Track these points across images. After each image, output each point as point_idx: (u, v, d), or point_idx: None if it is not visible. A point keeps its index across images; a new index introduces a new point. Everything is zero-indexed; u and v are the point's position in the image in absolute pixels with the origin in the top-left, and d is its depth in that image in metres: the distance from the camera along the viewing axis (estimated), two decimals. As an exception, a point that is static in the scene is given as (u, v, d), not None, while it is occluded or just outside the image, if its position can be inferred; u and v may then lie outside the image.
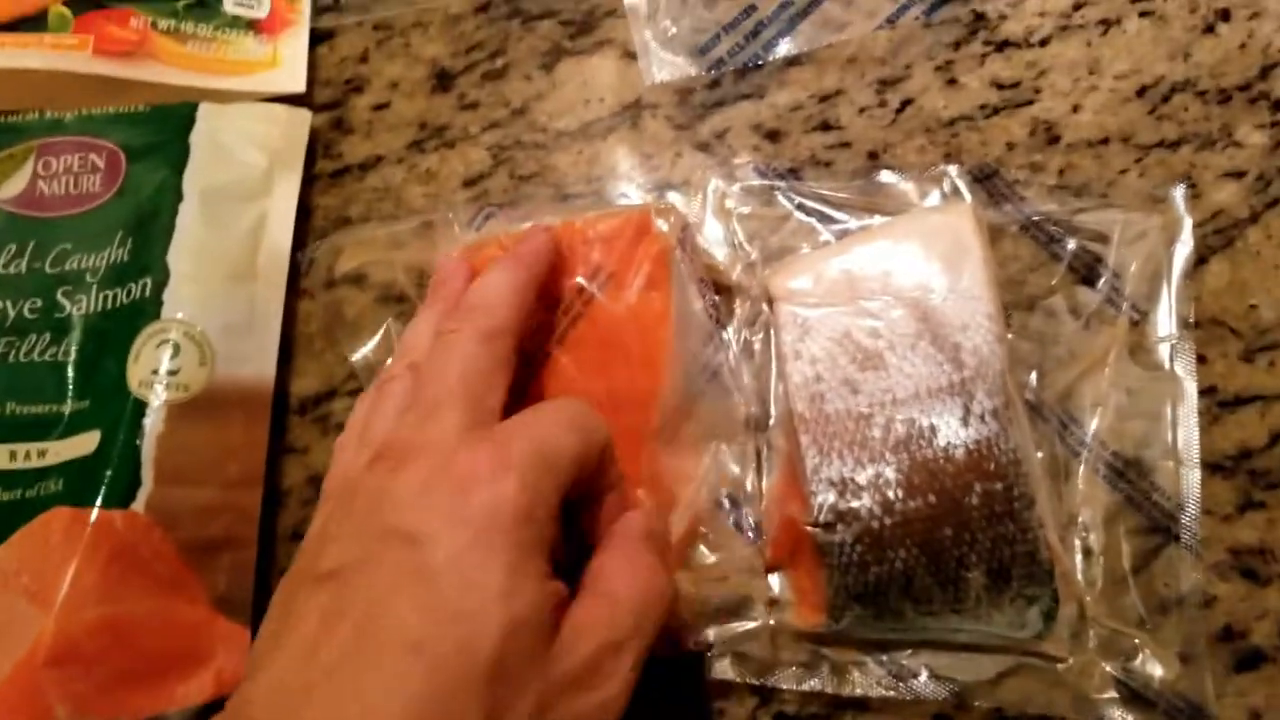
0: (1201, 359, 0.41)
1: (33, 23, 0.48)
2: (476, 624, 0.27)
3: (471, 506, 0.29)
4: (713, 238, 0.44)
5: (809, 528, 0.39)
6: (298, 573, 0.31)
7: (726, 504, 0.41)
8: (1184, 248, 0.42)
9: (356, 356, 0.45)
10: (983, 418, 0.39)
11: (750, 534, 0.41)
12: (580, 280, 0.41)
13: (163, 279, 0.44)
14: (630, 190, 0.46)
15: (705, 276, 0.43)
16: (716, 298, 0.43)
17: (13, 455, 0.43)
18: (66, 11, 0.48)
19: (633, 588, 0.32)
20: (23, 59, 0.47)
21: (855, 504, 0.39)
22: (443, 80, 0.48)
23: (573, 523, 0.34)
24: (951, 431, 0.39)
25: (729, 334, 0.44)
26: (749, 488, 0.42)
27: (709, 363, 0.42)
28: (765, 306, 0.43)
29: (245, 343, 0.45)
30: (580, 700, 0.29)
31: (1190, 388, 0.41)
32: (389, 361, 0.44)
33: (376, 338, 0.45)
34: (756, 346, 0.44)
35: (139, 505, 0.41)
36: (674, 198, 0.46)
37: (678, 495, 0.40)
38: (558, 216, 0.43)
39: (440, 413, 0.32)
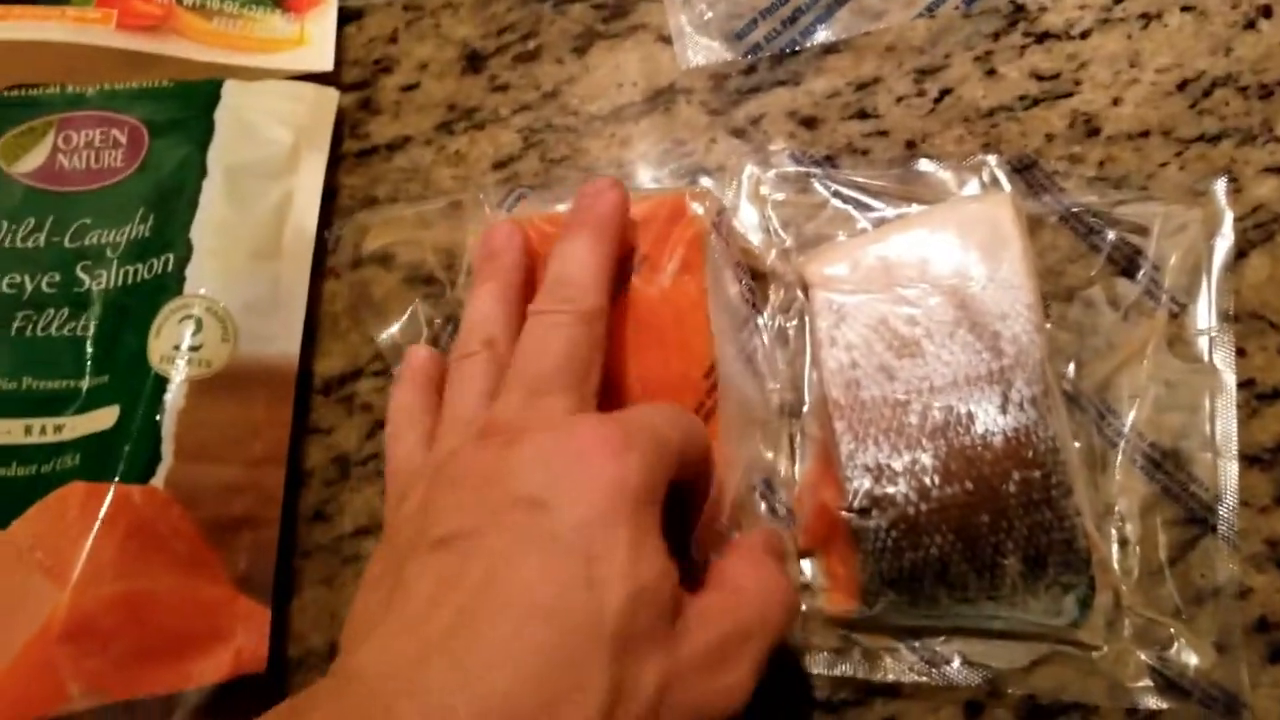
0: (1240, 352, 0.41)
1: (54, -4, 0.48)
2: (605, 592, 0.27)
3: (597, 479, 0.29)
4: (748, 223, 0.44)
5: (843, 513, 0.38)
6: (404, 544, 0.30)
7: (759, 489, 0.41)
8: (1224, 241, 0.42)
9: (383, 337, 0.45)
10: (1021, 406, 0.38)
11: (785, 520, 0.40)
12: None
13: (185, 255, 0.43)
14: (662, 176, 0.46)
15: (741, 261, 0.43)
16: (752, 283, 0.42)
17: (28, 430, 0.42)
18: (91, -18, 0.48)
19: (758, 586, 0.32)
20: (44, 32, 0.47)
21: (891, 490, 0.38)
22: (473, 62, 0.48)
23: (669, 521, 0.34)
24: (990, 419, 0.38)
25: (763, 320, 0.43)
26: (781, 473, 0.41)
27: (744, 347, 0.42)
28: (800, 293, 0.43)
29: (269, 320, 0.44)
30: (706, 682, 0.28)
31: (1229, 380, 0.40)
32: (420, 341, 0.44)
33: (404, 319, 0.45)
34: (791, 333, 0.43)
35: (158, 481, 0.40)
36: (707, 183, 0.45)
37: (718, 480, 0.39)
38: None
39: (548, 395, 0.32)
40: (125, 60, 0.47)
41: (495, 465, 0.30)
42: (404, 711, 0.25)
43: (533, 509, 0.28)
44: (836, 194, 0.44)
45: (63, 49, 0.46)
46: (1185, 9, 0.45)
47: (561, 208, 0.42)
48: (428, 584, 0.28)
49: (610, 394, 0.39)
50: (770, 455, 0.41)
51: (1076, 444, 0.40)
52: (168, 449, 0.41)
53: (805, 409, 0.42)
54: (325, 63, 0.48)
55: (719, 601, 0.31)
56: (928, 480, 0.38)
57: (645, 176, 0.46)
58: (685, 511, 0.35)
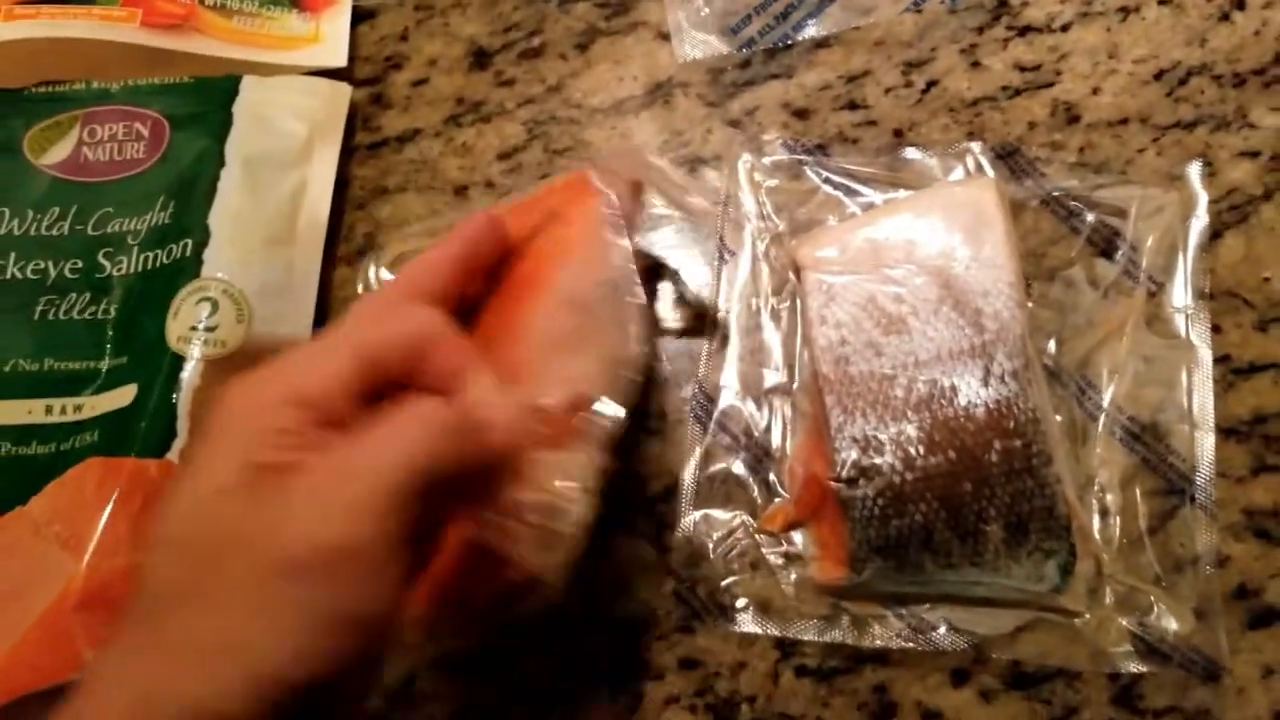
0: (1216, 329, 0.42)
1: (82, -5, 0.50)
2: None
3: None
4: (749, 210, 0.46)
5: (832, 483, 0.40)
6: None
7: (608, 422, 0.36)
8: (1199, 222, 0.43)
9: None
10: (1003, 378, 0.40)
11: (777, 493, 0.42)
12: (527, 232, 0.39)
13: (203, 240, 0.46)
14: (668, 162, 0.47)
15: (678, 208, 0.44)
16: (639, 246, 0.41)
17: (49, 409, 0.44)
18: (117, -17, 0.50)
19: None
20: (72, 29, 0.49)
21: (878, 460, 0.40)
22: (480, 59, 0.50)
23: None
24: (972, 391, 0.40)
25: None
26: (774, 448, 0.43)
27: (613, 286, 0.38)
28: (792, 275, 0.45)
29: (283, 303, 0.46)
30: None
31: (1205, 355, 0.42)
32: None
33: None
34: (783, 315, 0.45)
35: (174, 455, 0.42)
36: (708, 174, 0.47)
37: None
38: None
39: None
40: (148, 57, 0.49)
41: None
42: None
43: None
44: (827, 180, 0.46)
45: (89, 46, 0.49)
46: (1162, 3, 0.47)
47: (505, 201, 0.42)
48: None
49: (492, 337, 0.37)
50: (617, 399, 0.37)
51: (1058, 417, 0.41)
52: (183, 425, 0.43)
53: (797, 385, 0.44)
54: (339, 59, 0.50)
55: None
56: (913, 450, 0.39)
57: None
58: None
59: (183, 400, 0.43)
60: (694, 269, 0.46)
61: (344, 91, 0.50)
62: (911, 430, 0.40)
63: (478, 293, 0.38)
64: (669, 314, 0.46)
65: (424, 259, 0.36)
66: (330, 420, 0.29)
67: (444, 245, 0.36)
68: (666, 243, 0.47)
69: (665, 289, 0.46)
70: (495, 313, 0.38)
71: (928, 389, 0.40)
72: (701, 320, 0.46)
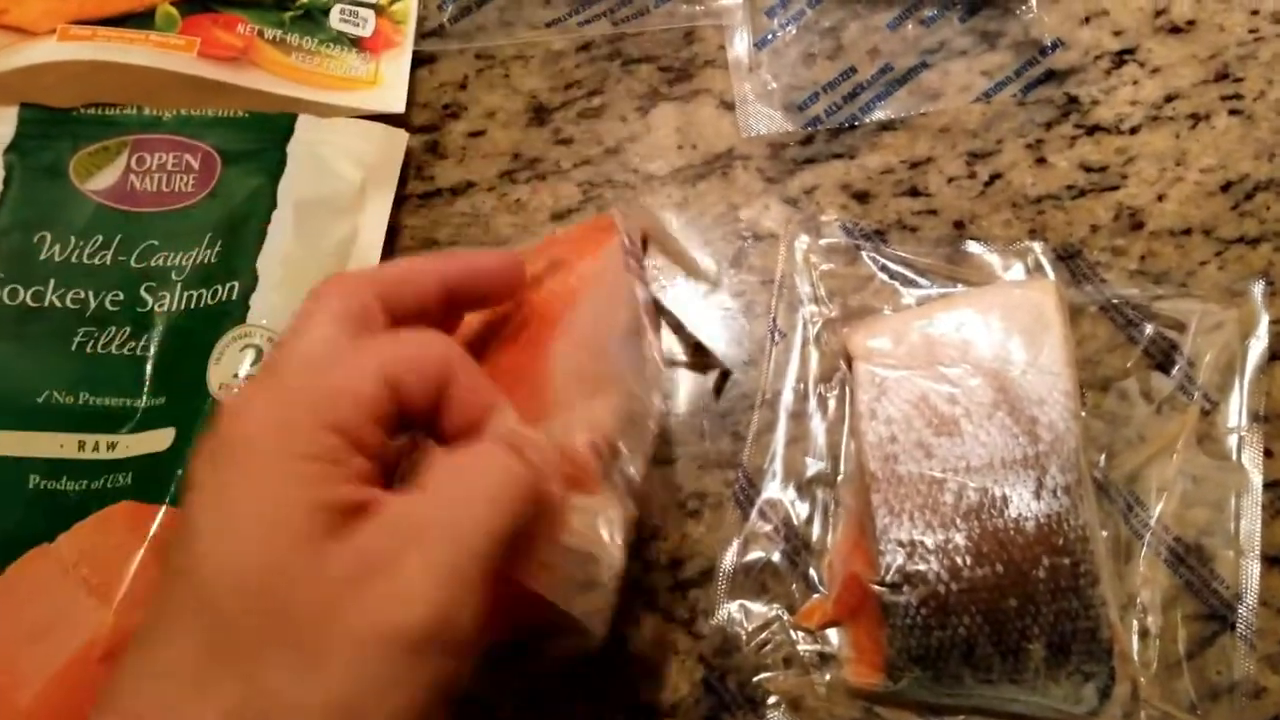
0: (1268, 453, 0.42)
1: (140, 19, 0.49)
2: None
3: None
4: (803, 292, 0.45)
5: (875, 586, 0.40)
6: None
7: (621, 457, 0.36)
8: (1259, 343, 0.43)
9: None
10: (1055, 492, 0.40)
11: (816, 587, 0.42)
12: (539, 273, 0.38)
13: (250, 284, 0.45)
14: (715, 238, 0.47)
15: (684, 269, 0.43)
16: (651, 300, 0.39)
17: (81, 445, 0.43)
18: (174, 12, 0.49)
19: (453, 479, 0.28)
20: (127, 54, 0.48)
21: (923, 567, 0.39)
22: (539, 114, 0.50)
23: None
24: (1024, 503, 0.39)
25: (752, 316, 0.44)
26: (814, 540, 0.43)
27: (634, 362, 0.38)
28: (843, 363, 0.44)
29: None
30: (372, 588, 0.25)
31: (1256, 480, 0.42)
32: None
33: None
34: (831, 402, 0.44)
35: None
36: (760, 246, 0.47)
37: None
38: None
39: None
40: (203, 88, 0.48)
41: None
42: None
43: None
44: (884, 268, 0.46)
45: (143, 73, 0.48)
46: (1233, 113, 0.46)
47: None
48: None
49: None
50: (630, 431, 0.36)
51: (1104, 533, 0.41)
52: None
53: (841, 478, 0.43)
54: (397, 105, 0.50)
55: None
56: (959, 560, 0.39)
57: (698, 238, 0.47)
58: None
59: None
60: (702, 320, 0.46)
61: (400, 138, 0.49)
62: (960, 539, 0.39)
63: (452, 326, 0.36)
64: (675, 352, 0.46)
65: (409, 265, 0.33)
66: (364, 450, 0.27)
67: (438, 260, 0.33)
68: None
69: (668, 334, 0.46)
70: (507, 349, 0.37)
71: (978, 497, 0.40)
72: (703, 360, 0.45)
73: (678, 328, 0.46)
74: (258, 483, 0.26)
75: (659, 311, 0.43)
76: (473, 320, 0.37)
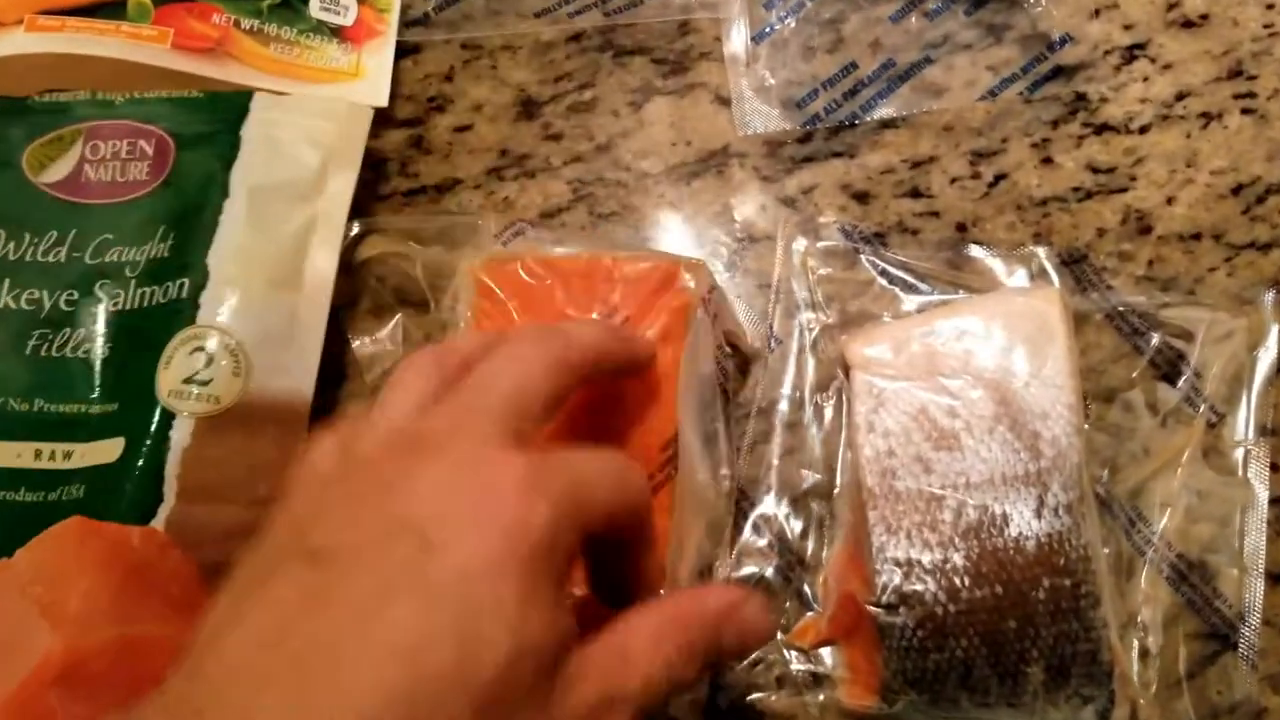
0: (1275, 468, 0.41)
1: (111, 9, 0.47)
2: (480, 647, 0.25)
3: (495, 521, 0.26)
4: (800, 298, 0.44)
5: (870, 607, 0.39)
6: (277, 546, 0.28)
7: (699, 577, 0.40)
8: (1268, 354, 0.42)
9: (360, 344, 0.44)
10: (1056, 511, 0.39)
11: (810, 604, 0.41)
12: (594, 318, 0.40)
13: (201, 281, 0.42)
14: (710, 239, 0.46)
15: (726, 343, 0.43)
16: (729, 368, 0.42)
17: (38, 454, 0.41)
18: (147, 0, 0.47)
19: (651, 652, 0.29)
20: (98, 46, 0.46)
21: (920, 587, 0.38)
22: (528, 108, 0.48)
23: (599, 575, 0.33)
24: (1024, 522, 0.38)
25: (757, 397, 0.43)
26: (808, 556, 0.42)
27: (706, 429, 0.41)
28: (840, 373, 0.43)
29: (284, 354, 0.43)
30: None
31: (1261, 495, 0.41)
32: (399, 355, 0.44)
33: (385, 330, 0.44)
34: (827, 412, 0.43)
35: (159, 522, 0.39)
36: (756, 248, 0.45)
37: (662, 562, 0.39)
38: (587, 247, 0.42)
39: (480, 415, 0.29)
40: (176, 81, 0.47)
41: (392, 480, 0.28)
42: None
43: (418, 543, 0.26)
44: (884, 273, 0.44)
45: (115, 65, 0.46)
46: (1246, 112, 0.45)
47: (560, 250, 0.42)
48: (288, 600, 0.26)
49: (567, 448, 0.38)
50: (710, 547, 0.41)
51: (1105, 549, 0.40)
52: (170, 489, 0.40)
53: (837, 491, 0.42)
54: (380, 98, 0.48)
55: (603, 658, 0.28)
56: (958, 581, 0.38)
57: (692, 238, 0.46)
58: (623, 563, 0.33)
59: (171, 461, 0.40)
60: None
61: (364, 114, 0.46)
62: (958, 559, 0.38)
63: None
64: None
65: (586, 334, 0.35)
66: None
67: (601, 338, 0.35)
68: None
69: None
70: (583, 419, 0.38)
71: (978, 515, 0.39)
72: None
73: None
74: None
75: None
76: None
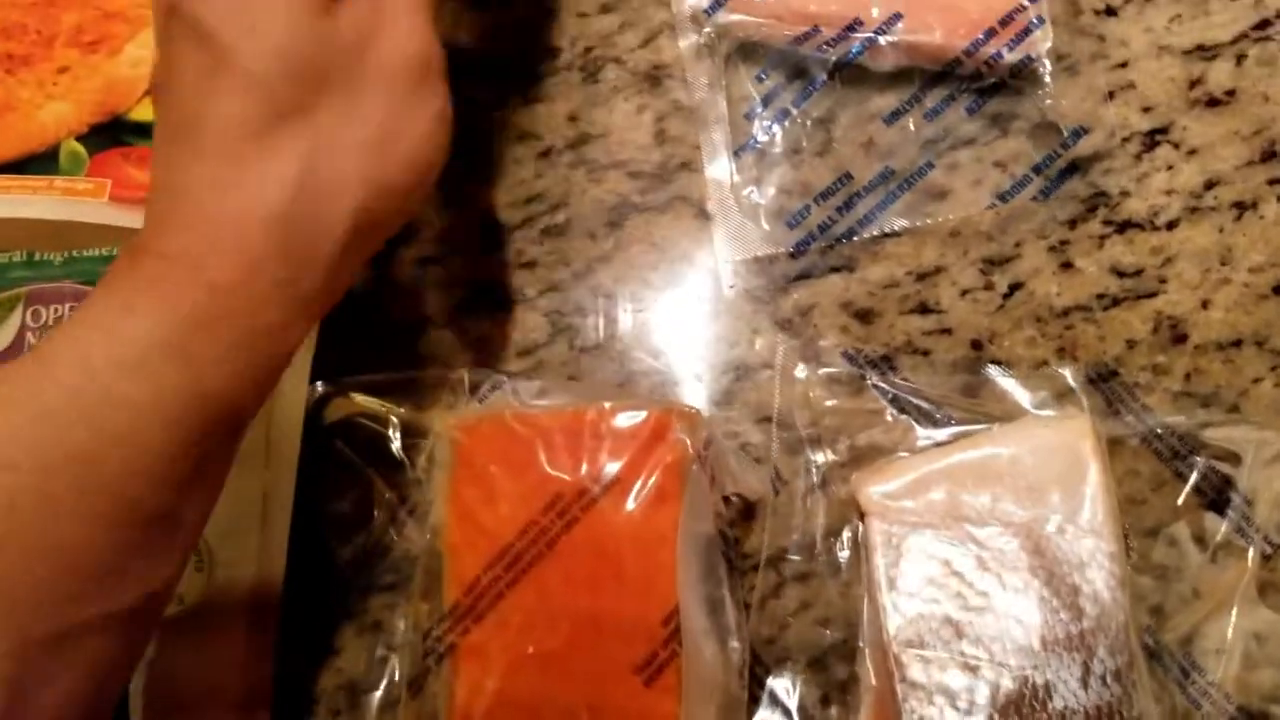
0: (1340, 603, 0.37)
1: (42, 161, 0.43)
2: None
3: None
4: (804, 433, 0.40)
5: (906, 789, 0.35)
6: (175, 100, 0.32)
7: None
8: (1325, 475, 0.38)
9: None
10: (1104, 679, 0.35)
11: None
12: (582, 478, 0.38)
13: None
14: (701, 371, 0.42)
15: (729, 494, 0.39)
16: (729, 529, 0.39)
17: None
18: (81, 149, 0.43)
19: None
20: (29, 207, 0.42)
21: (959, 769, 0.35)
22: (496, 234, 0.44)
23: None
24: (1070, 693, 0.35)
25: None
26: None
27: (710, 597, 0.38)
28: (857, 518, 0.39)
29: (251, 540, 0.40)
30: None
31: (1327, 636, 0.37)
32: (373, 521, 0.41)
33: (356, 494, 0.41)
34: (842, 558, 0.40)
35: None
36: (753, 379, 0.41)
37: None
38: (570, 396, 0.40)
39: None
40: (119, 238, 0.43)
41: None
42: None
43: None
44: (894, 400, 0.41)
45: (51, 227, 0.42)
46: (1283, 198, 0.41)
47: (542, 404, 0.40)
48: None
49: (558, 626, 0.37)
50: None
51: (1158, 705, 0.36)
52: (136, 705, 0.37)
53: (861, 649, 0.39)
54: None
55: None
56: (1001, 764, 0.35)
57: (681, 371, 0.42)
58: None
59: (135, 679, 0.37)
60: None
61: None
62: (998, 739, 0.35)
63: None
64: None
65: None
66: None
67: None
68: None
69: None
70: (577, 588, 0.37)
71: (1017, 686, 0.35)
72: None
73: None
74: None
75: None
76: (547, 572, 0.37)
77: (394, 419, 0.41)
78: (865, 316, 0.42)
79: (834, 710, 0.38)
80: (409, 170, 0.32)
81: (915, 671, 0.36)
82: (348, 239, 0.31)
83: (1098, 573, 0.36)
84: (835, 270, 0.42)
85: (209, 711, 0.38)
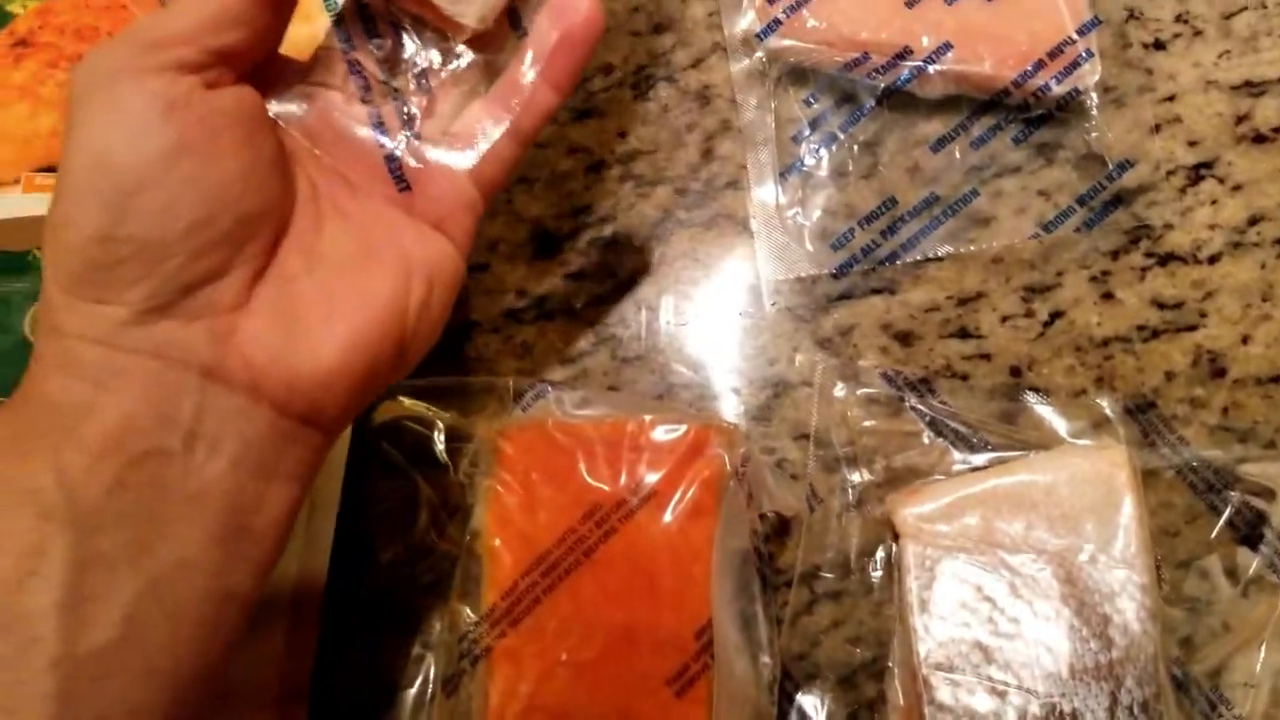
0: (1371, 642, 0.37)
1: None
2: None
3: None
4: (841, 452, 0.41)
5: (930, 810, 0.36)
6: None
7: None
8: (1360, 515, 0.38)
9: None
10: (1131, 710, 0.35)
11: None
12: (621, 489, 0.38)
13: None
14: (741, 386, 0.42)
15: (765, 510, 0.40)
16: (763, 545, 0.40)
17: None
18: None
19: None
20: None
21: (983, 793, 0.35)
22: (546, 245, 0.45)
23: None
24: (1096, 723, 0.35)
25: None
26: (860, 741, 0.39)
27: (743, 612, 0.39)
28: (888, 536, 0.40)
29: (296, 536, 0.40)
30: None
31: (1357, 674, 0.37)
32: (419, 524, 0.42)
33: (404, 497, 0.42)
34: (875, 578, 0.40)
35: None
36: (791, 396, 0.42)
37: None
38: (611, 406, 0.40)
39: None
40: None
41: None
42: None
43: None
44: (931, 423, 0.41)
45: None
46: (1328, 236, 0.41)
47: (585, 413, 0.40)
48: None
49: (592, 634, 0.37)
50: None
51: (1184, 737, 0.37)
52: None
53: (890, 669, 0.39)
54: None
55: None
56: (1025, 790, 0.35)
57: (720, 385, 0.42)
58: None
59: None
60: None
61: None
62: (1024, 764, 0.35)
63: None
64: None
65: None
66: None
67: None
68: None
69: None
70: (612, 599, 0.38)
71: (1044, 713, 0.36)
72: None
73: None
74: None
75: None
76: (583, 580, 0.38)
77: (439, 423, 0.42)
78: (905, 339, 0.42)
79: (846, 731, 0.39)
80: None
81: (944, 694, 0.37)
82: None
83: (1129, 603, 0.36)
84: (876, 292, 0.43)
85: (247, 706, 0.39)
